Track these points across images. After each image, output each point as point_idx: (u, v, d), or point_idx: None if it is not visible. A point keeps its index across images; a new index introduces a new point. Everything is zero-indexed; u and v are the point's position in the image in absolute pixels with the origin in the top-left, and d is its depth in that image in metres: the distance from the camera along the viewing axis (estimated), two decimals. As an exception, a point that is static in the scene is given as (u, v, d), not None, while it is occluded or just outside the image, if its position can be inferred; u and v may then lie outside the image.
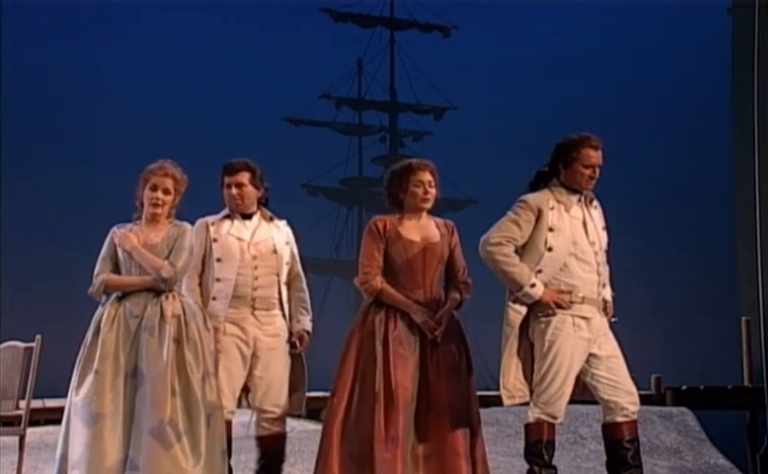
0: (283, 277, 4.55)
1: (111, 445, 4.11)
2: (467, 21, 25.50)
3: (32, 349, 5.12)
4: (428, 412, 4.17)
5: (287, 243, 4.62)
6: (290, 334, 4.55)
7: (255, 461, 4.59)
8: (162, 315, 4.28)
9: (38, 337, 5.14)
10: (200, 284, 4.50)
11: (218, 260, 4.47)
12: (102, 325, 4.27)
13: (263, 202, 4.67)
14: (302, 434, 6.57)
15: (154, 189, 4.40)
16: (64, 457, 4.18)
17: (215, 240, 4.50)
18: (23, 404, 5.11)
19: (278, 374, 4.46)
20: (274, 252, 4.53)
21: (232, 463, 4.45)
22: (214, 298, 4.46)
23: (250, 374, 4.46)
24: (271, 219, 4.64)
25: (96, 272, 4.40)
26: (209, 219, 4.58)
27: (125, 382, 4.20)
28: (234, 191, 4.53)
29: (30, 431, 5.40)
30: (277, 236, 4.59)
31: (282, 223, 4.68)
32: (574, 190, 4.27)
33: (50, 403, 8.23)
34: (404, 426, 4.08)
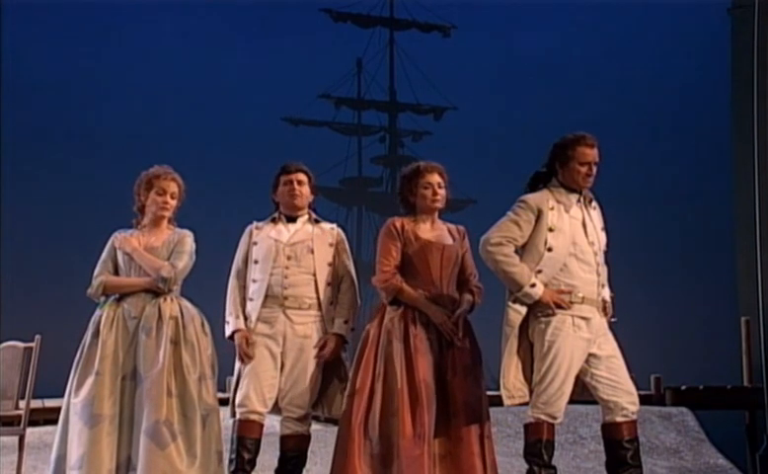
0: (323, 278, 4.52)
1: (110, 447, 4.13)
2: (467, 21, 25.50)
3: (31, 349, 5.13)
4: (444, 411, 4.18)
5: (331, 245, 4.60)
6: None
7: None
8: (160, 316, 4.30)
9: (38, 337, 5.15)
10: (244, 287, 4.54)
11: (255, 261, 4.53)
12: (101, 327, 4.29)
13: (312, 208, 4.72)
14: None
15: (162, 193, 4.45)
16: (62, 458, 4.19)
17: (255, 243, 4.57)
18: (22, 404, 5.12)
19: (304, 375, 4.44)
20: (311, 252, 4.53)
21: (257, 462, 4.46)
22: (251, 299, 4.50)
23: (281, 374, 4.47)
24: (317, 222, 4.66)
25: (95, 273, 4.44)
26: (255, 224, 4.65)
27: (125, 384, 4.22)
28: (295, 186, 4.58)
29: (29, 431, 5.41)
30: (319, 237, 4.59)
31: (330, 226, 4.68)
32: (573, 189, 4.28)
33: (50, 403, 8.22)
34: (429, 423, 4.08)
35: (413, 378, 4.12)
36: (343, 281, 4.58)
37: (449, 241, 4.39)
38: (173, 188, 4.48)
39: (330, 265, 4.56)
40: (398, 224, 4.37)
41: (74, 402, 4.20)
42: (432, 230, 4.39)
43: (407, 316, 4.25)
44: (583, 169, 4.24)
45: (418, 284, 4.30)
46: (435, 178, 4.40)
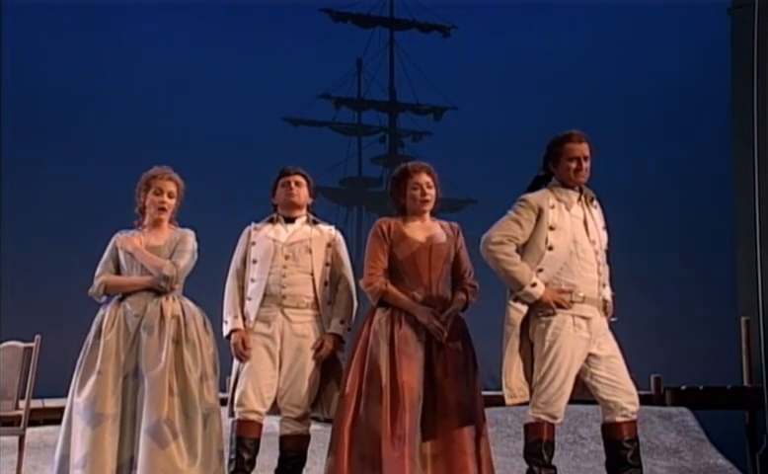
0: (321, 277, 4.54)
1: (113, 446, 4.14)
2: (466, 21, 25.48)
3: (31, 349, 5.13)
4: (435, 411, 4.17)
5: (329, 245, 4.62)
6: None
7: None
8: (162, 315, 4.31)
9: (38, 337, 5.16)
10: (242, 287, 4.56)
11: (254, 261, 4.56)
12: (103, 326, 4.30)
13: (311, 211, 4.75)
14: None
15: (159, 193, 4.47)
16: (65, 458, 4.19)
17: (254, 243, 4.60)
18: (22, 404, 5.12)
19: (303, 374, 4.44)
20: (309, 252, 4.56)
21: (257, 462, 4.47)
22: (249, 298, 4.53)
23: (279, 373, 4.48)
24: (315, 223, 4.69)
25: (96, 273, 4.45)
26: (253, 224, 4.69)
27: (127, 382, 4.23)
28: (293, 186, 4.63)
29: (29, 431, 5.41)
30: (317, 238, 4.62)
31: (328, 228, 4.71)
32: (571, 187, 4.28)
33: (50, 403, 8.23)
34: (411, 424, 4.07)
35: (395, 380, 4.12)
36: (340, 282, 4.60)
37: (441, 240, 4.37)
38: (170, 187, 4.50)
39: (327, 264, 4.59)
40: (384, 226, 4.38)
41: (77, 402, 4.21)
42: (423, 230, 4.38)
43: (393, 317, 4.25)
44: (573, 164, 4.25)
45: (408, 286, 4.30)
46: (424, 178, 4.40)
